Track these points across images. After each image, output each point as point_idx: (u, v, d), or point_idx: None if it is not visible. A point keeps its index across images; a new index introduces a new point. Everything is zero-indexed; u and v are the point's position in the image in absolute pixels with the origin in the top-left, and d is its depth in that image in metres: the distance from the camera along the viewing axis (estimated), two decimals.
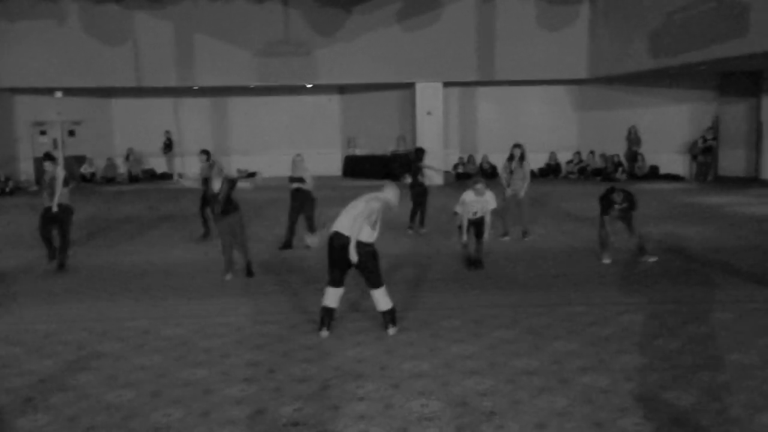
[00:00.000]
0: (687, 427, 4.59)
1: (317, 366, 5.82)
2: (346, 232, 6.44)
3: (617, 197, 9.43)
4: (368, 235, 6.51)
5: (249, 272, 9.21)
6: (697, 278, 8.69)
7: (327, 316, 6.62)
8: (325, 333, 6.59)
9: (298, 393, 5.25)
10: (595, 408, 4.90)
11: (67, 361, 6.05)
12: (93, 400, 5.19)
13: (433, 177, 12.22)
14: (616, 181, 20.35)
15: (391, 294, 8.10)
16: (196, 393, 5.29)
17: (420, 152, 12.68)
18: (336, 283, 6.58)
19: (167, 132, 24.01)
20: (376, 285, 6.57)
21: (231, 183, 9.09)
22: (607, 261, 9.58)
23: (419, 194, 12.34)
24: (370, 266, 6.51)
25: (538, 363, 5.80)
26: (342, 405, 5.02)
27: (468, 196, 9.34)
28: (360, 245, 6.41)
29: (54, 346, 6.45)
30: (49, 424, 4.79)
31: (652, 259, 9.57)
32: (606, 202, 9.55)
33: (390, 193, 6.70)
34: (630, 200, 9.49)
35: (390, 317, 6.67)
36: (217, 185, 8.99)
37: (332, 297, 6.60)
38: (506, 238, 11.38)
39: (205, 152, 12.20)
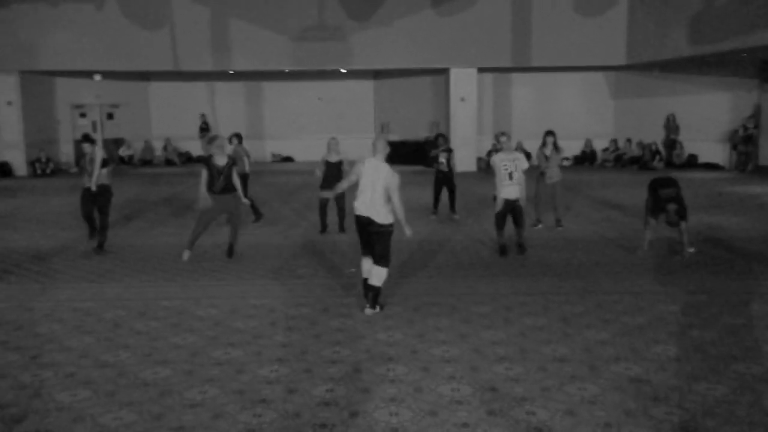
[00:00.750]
0: (720, 417, 4.55)
1: (348, 348, 5.88)
2: (380, 219, 6.73)
3: (671, 210, 8.99)
4: (386, 214, 6.77)
5: (230, 253, 9.43)
6: (734, 269, 8.56)
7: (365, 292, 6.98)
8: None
9: (329, 375, 5.32)
10: (626, 396, 4.88)
11: (106, 339, 6.20)
12: (131, 376, 5.32)
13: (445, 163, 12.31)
14: (653, 170, 20.06)
15: (423, 279, 8.18)
16: (230, 372, 5.39)
17: (439, 138, 12.72)
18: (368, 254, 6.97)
19: (203, 115, 24.25)
20: (386, 264, 6.82)
21: (233, 162, 9.36)
22: (642, 250, 9.43)
23: (440, 180, 12.39)
24: (385, 244, 6.80)
25: (569, 351, 5.78)
26: (373, 387, 5.08)
27: (497, 157, 9.28)
28: (378, 225, 6.75)
29: (93, 324, 6.62)
30: (89, 398, 4.93)
31: (691, 250, 9.35)
32: (656, 207, 9.23)
33: (382, 151, 6.98)
34: (681, 212, 9.15)
35: (374, 296, 6.88)
36: (221, 161, 9.17)
37: (368, 267, 6.95)
38: (539, 226, 11.31)
39: (237, 136, 12.36)
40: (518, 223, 9.37)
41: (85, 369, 5.48)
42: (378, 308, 6.86)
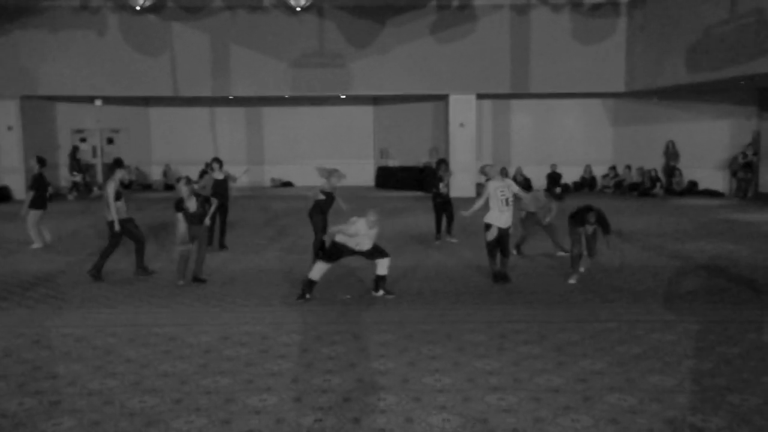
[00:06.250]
0: None
1: (340, 377, 5.80)
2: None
3: (591, 218, 9.00)
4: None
5: (196, 279, 9.47)
6: (731, 298, 8.48)
7: (309, 287, 8.33)
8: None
9: (319, 404, 5.23)
10: (620, 429, 4.79)
11: (95, 366, 6.12)
12: (117, 405, 5.24)
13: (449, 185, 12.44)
14: (653, 196, 20.06)
15: (417, 306, 8.11)
16: (218, 401, 5.31)
17: (440, 163, 12.76)
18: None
19: (207, 164, 23.92)
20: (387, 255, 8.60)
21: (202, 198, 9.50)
22: (572, 281, 9.23)
23: (441, 205, 12.43)
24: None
25: (564, 381, 5.70)
26: (362, 417, 5.00)
27: (492, 184, 9.21)
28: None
29: (83, 351, 6.54)
30: (72, 428, 4.85)
31: (572, 281, 9.26)
32: (578, 219, 9.19)
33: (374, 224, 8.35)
34: (603, 222, 9.15)
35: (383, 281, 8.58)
36: (192, 206, 9.25)
37: (320, 271, 8.31)
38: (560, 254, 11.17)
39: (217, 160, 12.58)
40: (504, 252, 9.32)
41: (70, 397, 5.40)
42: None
